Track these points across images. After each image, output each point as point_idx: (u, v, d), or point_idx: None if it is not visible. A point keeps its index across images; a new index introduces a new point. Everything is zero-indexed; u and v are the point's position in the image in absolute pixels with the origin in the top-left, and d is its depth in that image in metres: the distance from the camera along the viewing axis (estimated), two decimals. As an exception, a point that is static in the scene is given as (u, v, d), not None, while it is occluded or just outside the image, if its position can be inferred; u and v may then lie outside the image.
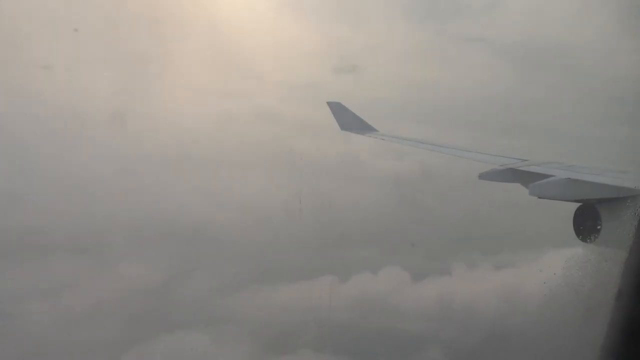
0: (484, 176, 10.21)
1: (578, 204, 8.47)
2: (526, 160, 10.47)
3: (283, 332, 28.58)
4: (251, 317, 30.97)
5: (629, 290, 1.93)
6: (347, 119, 16.06)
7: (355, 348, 27.41)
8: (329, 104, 16.54)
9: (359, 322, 29.49)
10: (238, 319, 31.40)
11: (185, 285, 35.52)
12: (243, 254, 37.57)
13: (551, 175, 9.07)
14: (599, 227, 7.97)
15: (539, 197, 9.06)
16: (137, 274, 34.12)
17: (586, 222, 8.25)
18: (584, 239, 8.23)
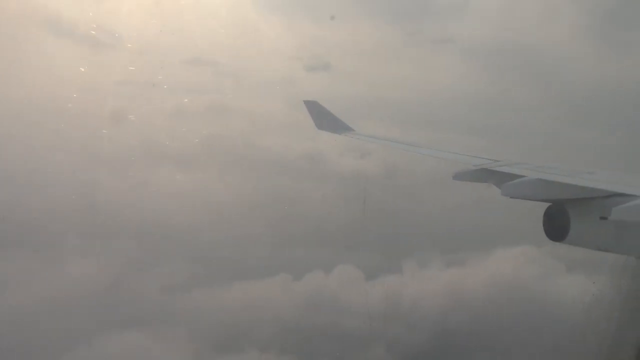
0: (458, 176, 10.41)
1: (548, 204, 8.73)
2: (498, 160, 10.73)
3: (232, 331, 28.17)
4: (201, 316, 30.47)
5: None
6: (324, 118, 16.14)
7: (303, 347, 27.14)
8: (305, 102, 16.59)
9: (308, 321, 29.35)
10: (188, 318, 30.82)
11: (135, 283, 34.75)
12: (195, 253, 36.91)
13: (523, 176, 9.31)
14: (567, 227, 8.24)
15: (511, 197, 9.30)
16: (84, 272, 33.22)
17: (555, 222, 8.51)
18: (553, 238, 8.50)
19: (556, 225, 8.45)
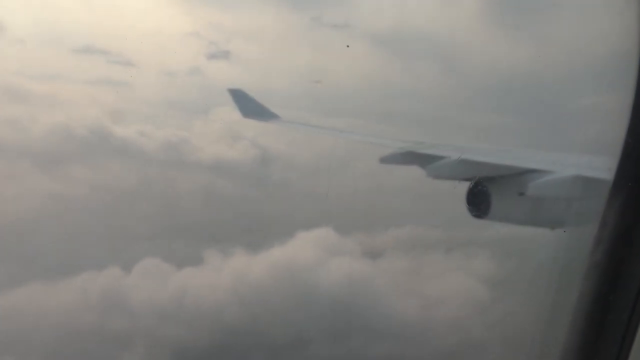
0: (385, 160, 10.62)
1: (470, 182, 9.10)
2: (422, 142, 11.04)
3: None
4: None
5: (600, 267, 2.14)
6: (248, 106, 15.96)
7: (69, 350, 26.08)
8: (230, 90, 16.31)
9: (99, 324, 28.28)
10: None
11: None
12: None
13: (445, 157, 9.63)
14: (489, 203, 8.64)
15: (435, 178, 9.62)
16: None
17: (477, 199, 8.90)
18: (476, 215, 8.89)
19: (478, 203, 8.86)
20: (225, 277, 31.32)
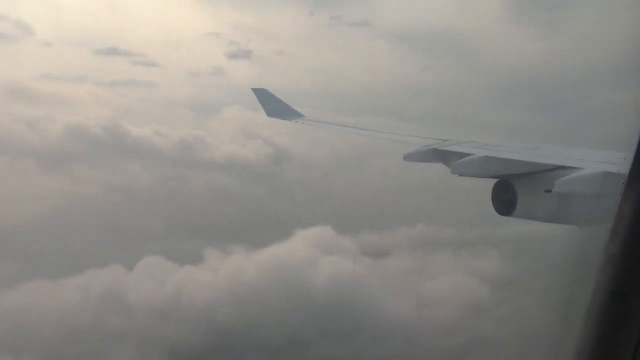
0: (409, 157, 10.60)
1: (496, 180, 9.04)
2: (447, 140, 10.99)
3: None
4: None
5: (615, 260, 2.15)
6: (273, 105, 16.05)
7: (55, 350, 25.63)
8: (254, 90, 16.44)
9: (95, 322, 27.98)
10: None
11: None
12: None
13: (470, 154, 9.57)
14: (515, 201, 8.57)
15: (460, 175, 9.57)
16: None
17: (503, 197, 8.83)
18: (502, 213, 8.83)
19: (504, 200, 8.79)
20: (223, 276, 31.34)
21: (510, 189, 8.69)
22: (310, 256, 31.07)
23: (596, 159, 7.61)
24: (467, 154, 9.58)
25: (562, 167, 8.03)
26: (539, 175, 8.35)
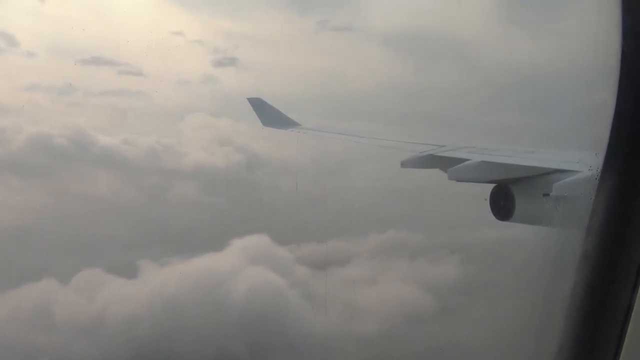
0: (406, 163, 10.57)
1: (494, 185, 9.01)
2: (443, 146, 10.96)
3: None
4: None
5: (590, 257, 2.16)
6: (269, 115, 16.02)
7: None
8: (249, 100, 16.41)
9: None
10: None
11: None
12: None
13: (467, 159, 9.54)
14: (513, 205, 8.53)
15: (457, 181, 9.54)
16: None
17: (501, 202, 8.80)
18: (500, 218, 8.78)
19: (502, 205, 8.75)
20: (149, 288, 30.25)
21: (508, 194, 8.67)
22: (235, 267, 30.20)
23: (597, 162, 7.56)
24: (464, 160, 9.56)
25: (560, 171, 8.00)
26: (537, 179, 8.32)
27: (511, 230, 9.00)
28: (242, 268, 29.73)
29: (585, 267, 2.17)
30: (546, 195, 7.79)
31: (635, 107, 2.06)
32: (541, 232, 7.98)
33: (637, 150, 2.06)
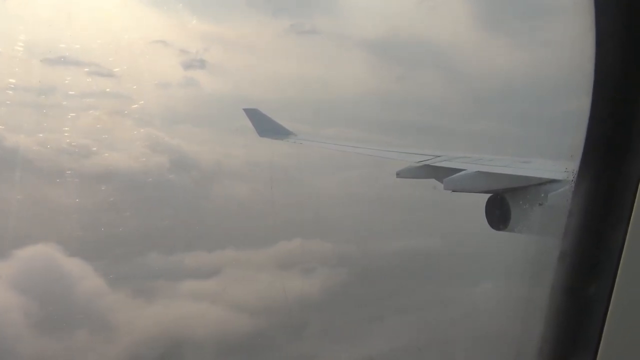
0: (402, 174, 10.58)
1: (489, 195, 9.02)
2: (439, 156, 10.98)
3: None
4: None
5: (567, 257, 2.19)
6: (265, 125, 16.02)
7: None
8: (245, 110, 16.41)
9: None
10: None
11: None
12: None
13: (463, 169, 9.56)
14: (508, 215, 8.53)
15: (453, 191, 9.55)
16: None
17: (496, 211, 8.81)
18: (496, 227, 8.78)
19: (497, 215, 8.75)
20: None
21: (504, 204, 8.68)
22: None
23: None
24: (460, 170, 9.57)
25: (556, 181, 8.01)
26: (532, 189, 8.32)
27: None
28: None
29: (562, 268, 2.19)
30: (541, 204, 7.79)
31: (610, 110, 2.10)
32: (519, 236, 8.00)
33: (612, 153, 2.10)
